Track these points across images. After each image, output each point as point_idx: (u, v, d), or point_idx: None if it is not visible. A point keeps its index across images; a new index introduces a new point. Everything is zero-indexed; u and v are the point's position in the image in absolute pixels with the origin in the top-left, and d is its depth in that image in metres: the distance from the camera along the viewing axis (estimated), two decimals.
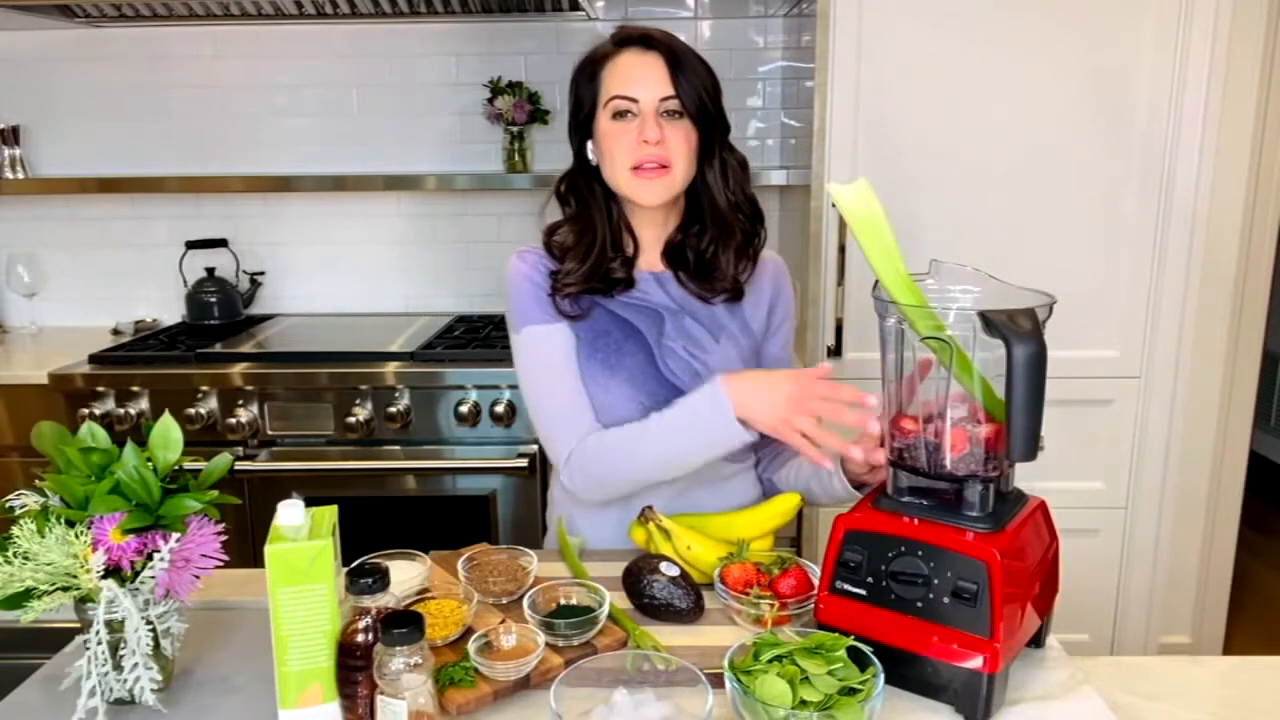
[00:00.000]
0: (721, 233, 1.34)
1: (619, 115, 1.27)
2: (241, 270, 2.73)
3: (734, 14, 2.61)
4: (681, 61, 1.27)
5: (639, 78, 1.26)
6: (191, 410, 2.18)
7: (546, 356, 1.31)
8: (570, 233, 1.36)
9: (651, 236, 1.37)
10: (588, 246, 1.33)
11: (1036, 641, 1.05)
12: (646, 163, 1.25)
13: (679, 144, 1.27)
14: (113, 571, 0.92)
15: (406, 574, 1.12)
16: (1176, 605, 2.30)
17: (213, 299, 2.60)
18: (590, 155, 1.33)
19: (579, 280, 1.31)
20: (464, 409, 2.18)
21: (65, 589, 0.91)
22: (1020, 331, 0.89)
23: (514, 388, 2.15)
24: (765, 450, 1.44)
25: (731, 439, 1.19)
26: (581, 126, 1.33)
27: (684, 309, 1.35)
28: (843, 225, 2.08)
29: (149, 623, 0.94)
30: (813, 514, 2.22)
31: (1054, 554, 1.05)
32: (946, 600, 0.93)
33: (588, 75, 1.31)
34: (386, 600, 0.91)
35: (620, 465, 1.27)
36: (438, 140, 2.70)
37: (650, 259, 1.38)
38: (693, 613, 1.10)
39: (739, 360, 1.34)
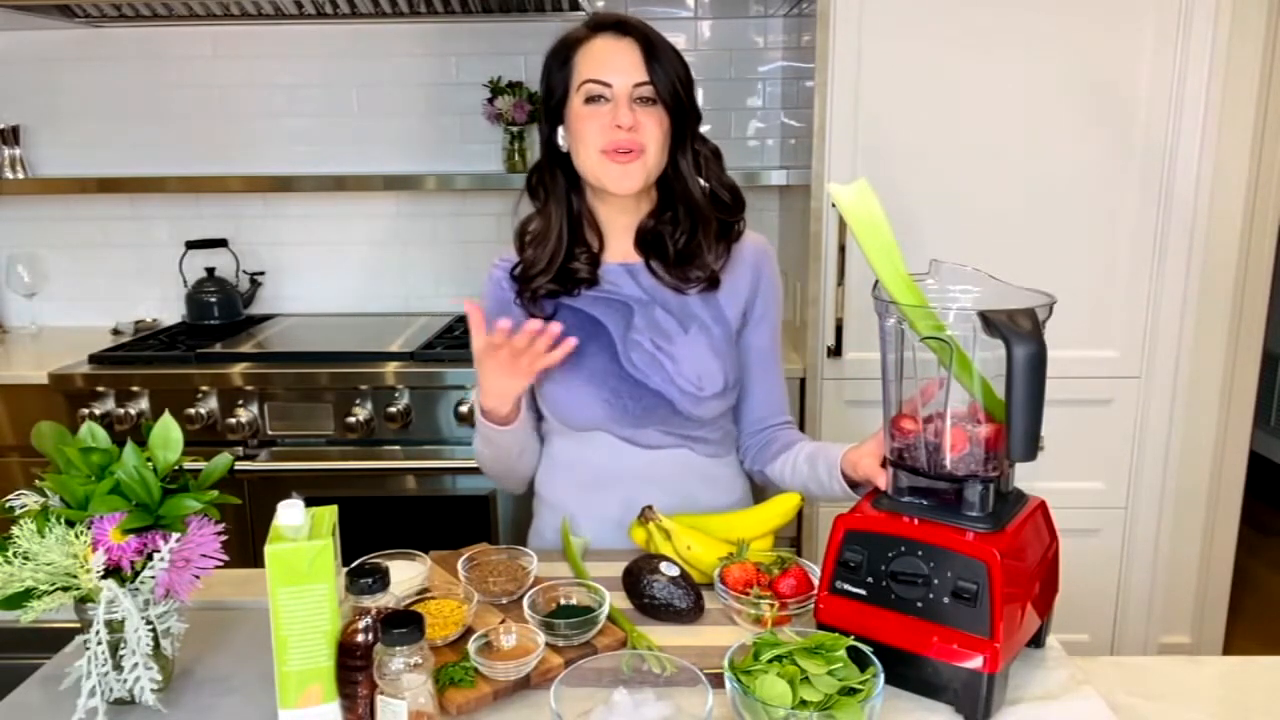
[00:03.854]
0: (697, 221, 1.33)
1: (592, 100, 1.26)
2: (241, 270, 2.73)
3: (734, 14, 2.61)
4: (655, 48, 1.26)
5: (613, 63, 1.25)
6: (191, 410, 2.18)
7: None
8: (536, 225, 1.37)
9: (622, 225, 1.36)
10: (544, 237, 1.34)
11: (1036, 641, 1.05)
12: (619, 147, 1.24)
13: (652, 129, 1.26)
14: (113, 571, 0.92)
15: (406, 574, 1.12)
16: (1176, 605, 2.30)
17: (213, 299, 2.60)
18: (560, 142, 1.32)
19: (541, 273, 1.33)
20: (464, 409, 2.18)
21: (65, 589, 0.91)
22: (1020, 331, 0.89)
23: None
24: (750, 442, 1.43)
25: (485, 426, 1.31)
26: (553, 113, 1.32)
27: (654, 299, 1.35)
28: (843, 225, 2.08)
29: (149, 623, 0.94)
30: (813, 514, 2.22)
31: (1054, 554, 1.05)
32: (946, 600, 0.93)
33: (560, 60, 1.30)
34: (386, 600, 0.91)
35: (495, 470, 1.41)
36: (438, 140, 2.70)
37: (622, 249, 1.37)
38: (693, 613, 1.10)
39: (708, 350, 1.33)
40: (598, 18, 1.29)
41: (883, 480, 1.09)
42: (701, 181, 1.33)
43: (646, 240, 1.35)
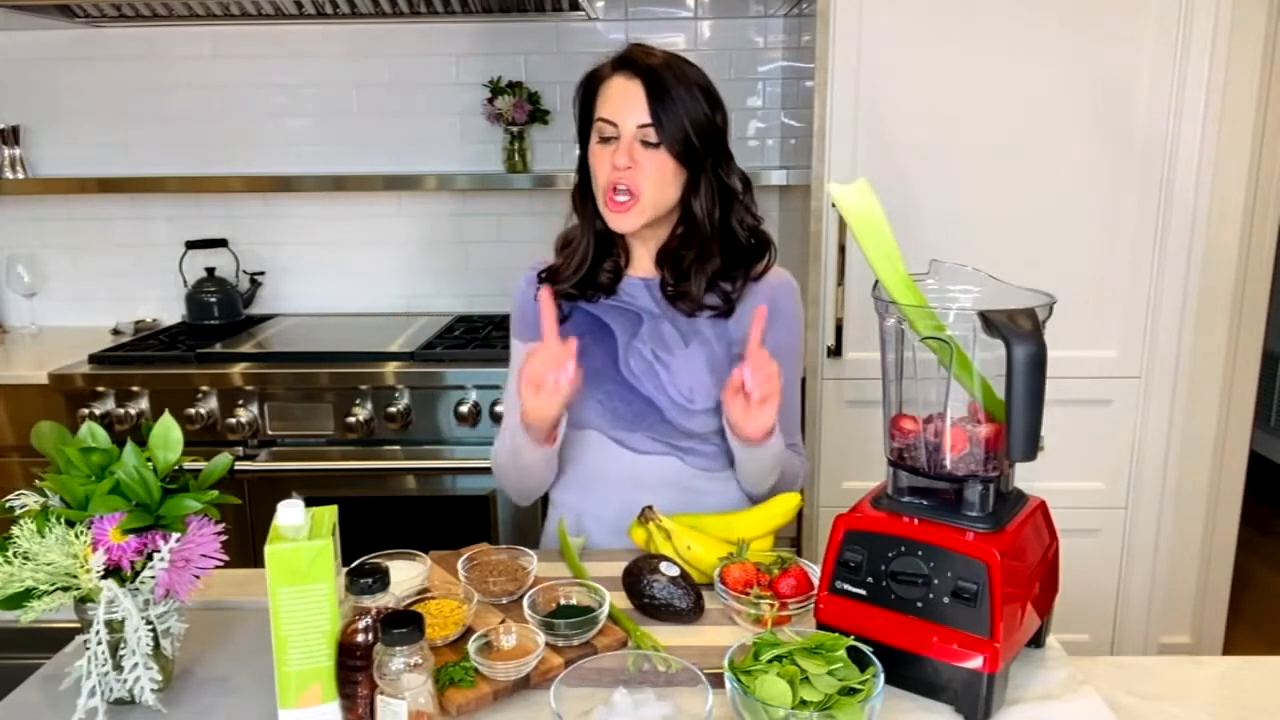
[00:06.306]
0: (699, 255, 1.35)
1: (604, 139, 1.31)
2: (241, 270, 2.73)
3: (734, 14, 2.61)
4: (663, 90, 1.27)
5: (621, 104, 1.29)
6: (191, 410, 2.18)
7: (514, 371, 1.43)
8: (572, 235, 1.42)
9: (643, 248, 1.40)
10: (574, 249, 1.40)
11: (1036, 641, 1.05)
12: (617, 184, 1.28)
13: (650, 172, 1.28)
14: (113, 571, 0.92)
15: (406, 574, 1.12)
16: (1176, 605, 2.30)
17: (213, 299, 2.60)
18: (591, 163, 1.37)
19: (567, 279, 1.39)
20: (464, 409, 2.18)
21: (65, 589, 0.91)
22: (1020, 331, 0.89)
23: None
24: None
25: (520, 437, 1.30)
26: (584, 136, 1.37)
27: (665, 314, 1.39)
28: (843, 225, 2.08)
29: (149, 623, 0.94)
30: (813, 514, 2.22)
31: (1054, 554, 1.05)
32: (946, 600, 0.93)
33: (588, 92, 1.35)
34: (386, 600, 0.91)
35: (509, 479, 1.40)
36: (438, 140, 2.70)
37: (643, 265, 1.41)
38: (693, 613, 1.10)
39: (705, 366, 1.35)
40: (622, 55, 1.32)
41: (737, 409, 1.20)
42: (714, 220, 1.34)
43: (665, 261, 1.39)
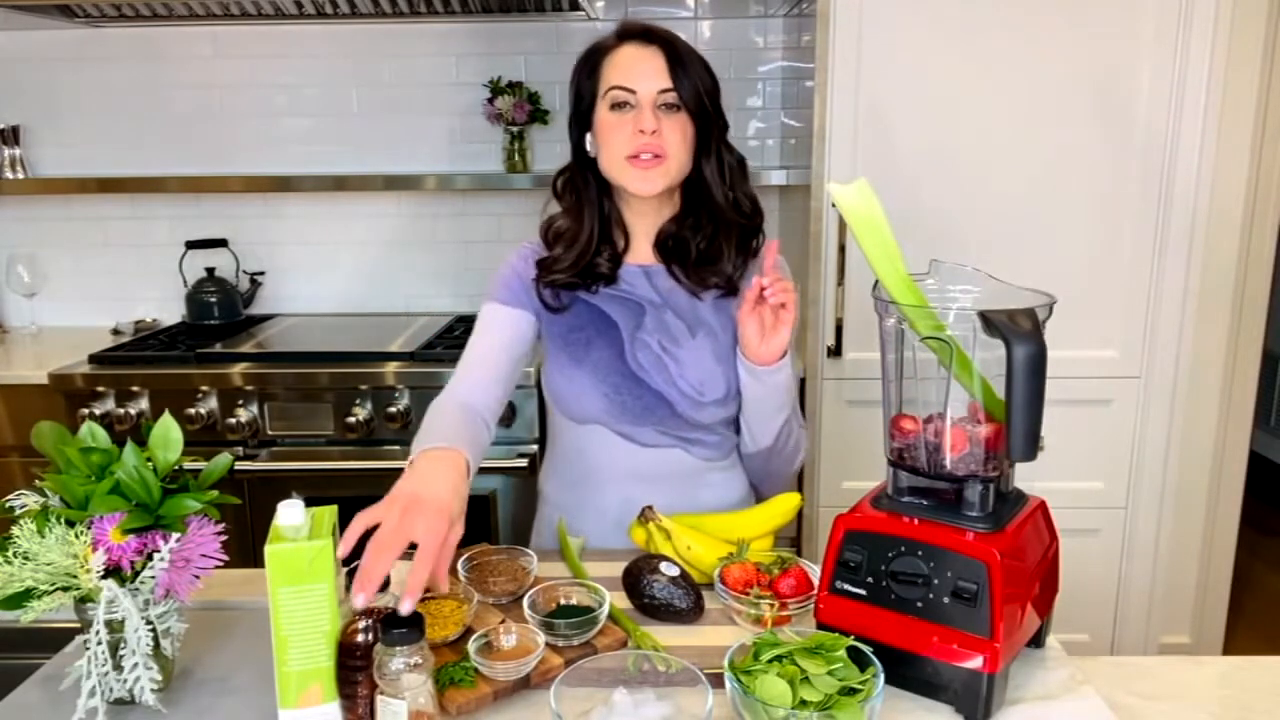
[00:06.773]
0: (720, 227, 1.35)
1: (617, 106, 1.29)
2: (241, 270, 2.73)
3: (734, 14, 2.61)
4: (681, 57, 1.29)
5: (638, 70, 1.28)
6: (191, 410, 2.18)
7: (485, 330, 1.38)
8: (563, 224, 1.40)
9: (644, 229, 1.38)
10: (574, 237, 1.37)
11: (1036, 641, 1.05)
12: (642, 152, 1.27)
13: (674, 136, 1.28)
14: (113, 571, 0.92)
15: (407, 574, 1.12)
16: (1176, 605, 2.30)
17: (213, 299, 2.60)
18: (589, 148, 1.35)
19: (564, 270, 1.35)
20: None
21: (65, 589, 0.91)
22: (1020, 331, 0.89)
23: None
24: None
25: None
26: (581, 119, 1.35)
27: (667, 302, 1.37)
28: (843, 225, 2.08)
29: (149, 623, 0.94)
30: (813, 514, 2.22)
31: (1054, 554, 1.05)
32: (946, 600, 0.93)
33: (589, 68, 1.33)
34: (386, 600, 0.91)
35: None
36: (438, 140, 2.70)
37: (642, 252, 1.39)
38: (693, 613, 1.10)
39: (713, 356, 1.35)
40: (626, 26, 1.32)
41: (746, 311, 1.23)
42: (726, 189, 1.35)
43: (666, 244, 1.37)
